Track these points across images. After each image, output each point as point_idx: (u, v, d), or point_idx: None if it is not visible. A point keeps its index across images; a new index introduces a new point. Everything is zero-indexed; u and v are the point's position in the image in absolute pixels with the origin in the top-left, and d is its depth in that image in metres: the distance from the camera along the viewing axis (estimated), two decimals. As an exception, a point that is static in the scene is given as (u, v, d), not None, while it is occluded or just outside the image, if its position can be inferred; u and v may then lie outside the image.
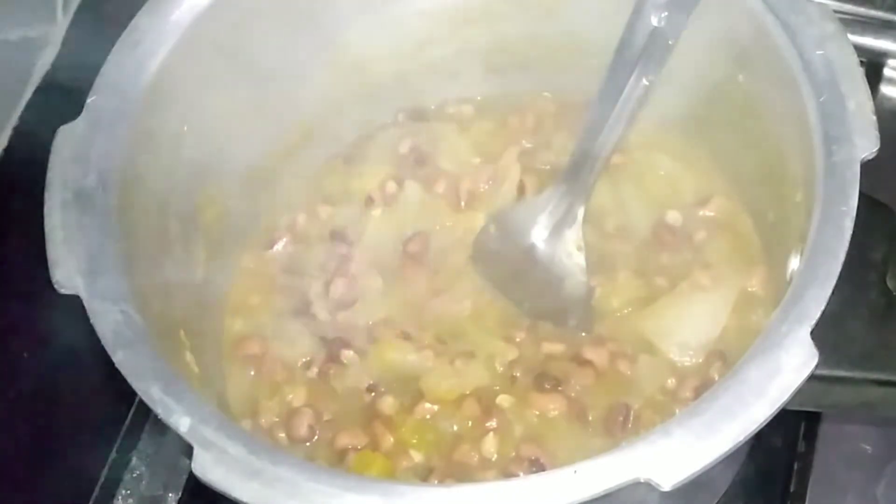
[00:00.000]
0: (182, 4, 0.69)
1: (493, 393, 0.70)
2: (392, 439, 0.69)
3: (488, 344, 0.72)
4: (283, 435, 0.70)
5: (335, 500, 0.52)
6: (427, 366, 0.71)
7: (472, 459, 0.68)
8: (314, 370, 0.73)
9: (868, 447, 0.79)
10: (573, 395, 0.69)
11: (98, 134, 0.64)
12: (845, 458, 0.78)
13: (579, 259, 0.73)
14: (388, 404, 0.70)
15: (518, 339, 0.73)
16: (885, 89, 0.90)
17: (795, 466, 0.76)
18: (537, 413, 0.69)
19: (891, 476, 0.77)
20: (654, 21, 0.66)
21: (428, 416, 0.70)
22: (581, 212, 0.73)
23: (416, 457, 0.69)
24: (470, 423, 0.69)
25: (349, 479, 0.54)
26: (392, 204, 0.79)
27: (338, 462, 0.69)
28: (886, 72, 0.90)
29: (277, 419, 0.71)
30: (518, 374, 0.71)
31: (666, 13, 0.65)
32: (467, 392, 0.70)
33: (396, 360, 0.72)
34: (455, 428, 0.69)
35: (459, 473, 0.67)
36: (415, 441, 0.69)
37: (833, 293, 0.56)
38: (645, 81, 0.66)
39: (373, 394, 0.72)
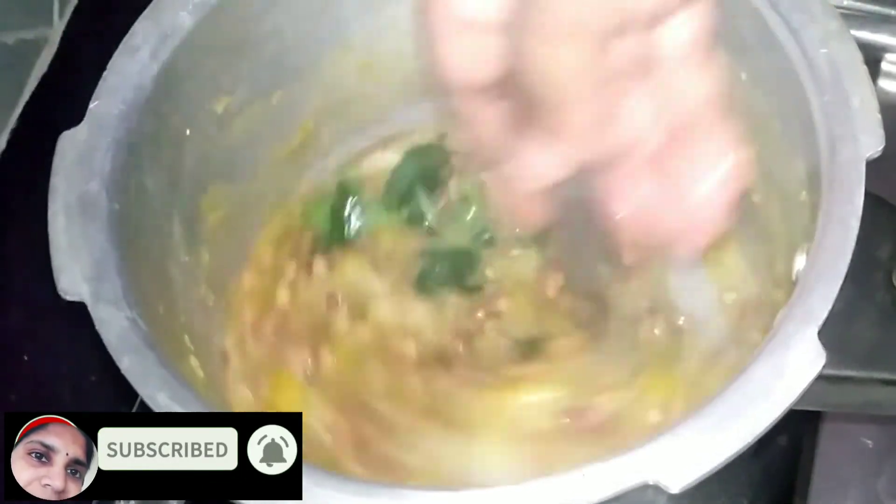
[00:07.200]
0: (182, 9, 0.68)
1: None
2: None
3: None
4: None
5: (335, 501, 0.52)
6: None
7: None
8: (317, 372, 0.73)
9: (869, 442, 0.79)
10: None
11: (101, 139, 0.64)
12: (847, 453, 0.78)
13: None
14: None
15: None
16: (883, 83, 0.90)
17: (799, 463, 0.76)
18: None
19: (891, 471, 0.77)
20: (655, 21, 0.65)
21: None
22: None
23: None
24: None
25: (350, 482, 0.54)
26: (391, 204, 0.79)
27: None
28: (884, 66, 0.90)
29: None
30: None
31: (667, 13, 0.65)
32: None
33: None
34: None
35: None
36: None
37: (839, 293, 0.56)
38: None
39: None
